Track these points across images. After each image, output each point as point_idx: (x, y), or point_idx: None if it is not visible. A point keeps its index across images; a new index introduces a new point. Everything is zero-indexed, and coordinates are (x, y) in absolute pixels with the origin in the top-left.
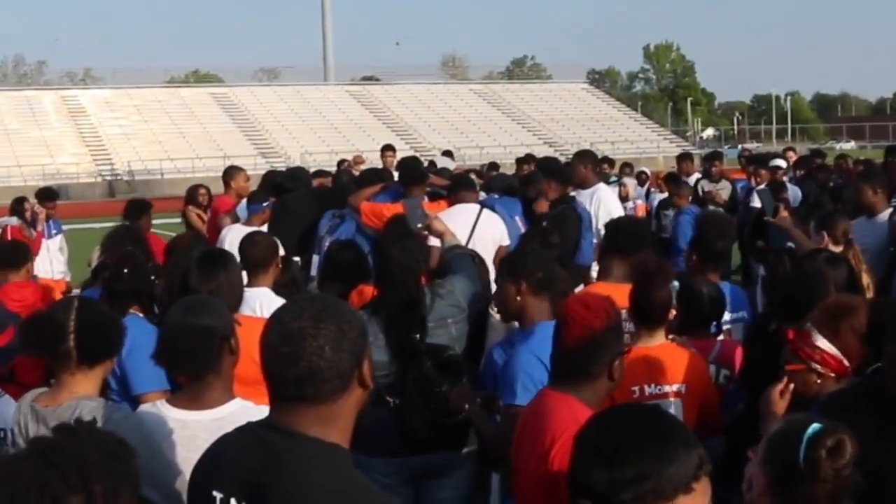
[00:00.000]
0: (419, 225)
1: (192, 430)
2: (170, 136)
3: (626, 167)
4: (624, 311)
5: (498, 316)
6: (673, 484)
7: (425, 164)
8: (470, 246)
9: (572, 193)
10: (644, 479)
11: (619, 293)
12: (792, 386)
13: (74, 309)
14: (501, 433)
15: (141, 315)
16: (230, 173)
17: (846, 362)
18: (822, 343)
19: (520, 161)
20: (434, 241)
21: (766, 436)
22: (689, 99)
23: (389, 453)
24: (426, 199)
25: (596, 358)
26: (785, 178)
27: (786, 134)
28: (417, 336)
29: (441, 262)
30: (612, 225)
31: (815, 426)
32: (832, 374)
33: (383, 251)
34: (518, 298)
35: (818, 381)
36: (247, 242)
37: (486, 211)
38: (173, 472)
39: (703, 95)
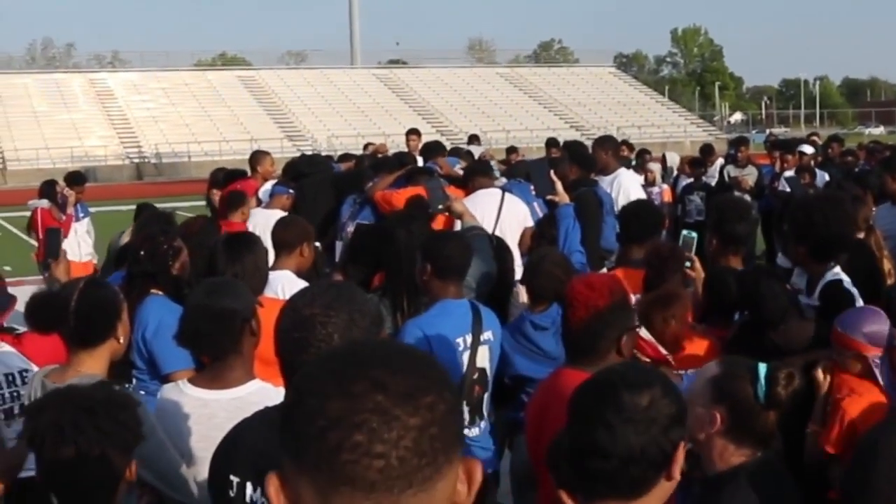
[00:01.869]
0: (440, 206)
1: (211, 409)
2: (197, 119)
3: (646, 153)
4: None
5: (520, 298)
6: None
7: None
8: (497, 229)
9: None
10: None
11: (637, 278)
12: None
13: (78, 290)
14: None
15: (163, 295)
16: (256, 158)
17: (661, 349)
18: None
19: (548, 145)
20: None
21: (707, 379)
22: (717, 83)
23: None
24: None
25: (603, 335)
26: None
27: (814, 119)
28: None
29: None
30: (624, 212)
31: (763, 366)
32: (648, 360)
33: (390, 235)
34: (425, 278)
35: None
36: (279, 224)
37: (507, 195)
38: (167, 455)
39: (731, 80)
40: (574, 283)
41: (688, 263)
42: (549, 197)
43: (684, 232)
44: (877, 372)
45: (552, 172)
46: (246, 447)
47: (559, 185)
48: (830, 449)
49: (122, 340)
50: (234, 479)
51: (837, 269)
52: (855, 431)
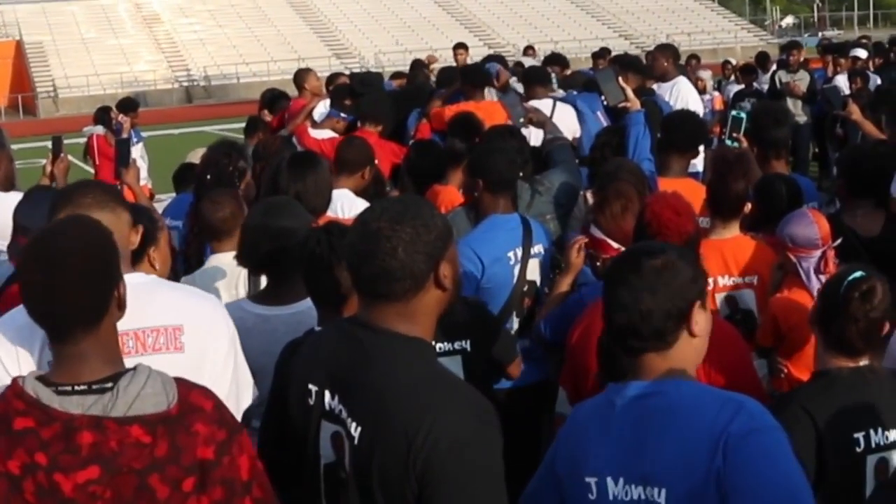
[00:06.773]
0: (521, 119)
1: (272, 325)
2: (244, 40)
3: (693, 59)
4: None
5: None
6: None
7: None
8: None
9: (653, 87)
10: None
11: (679, 188)
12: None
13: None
14: None
15: None
16: (301, 76)
17: (615, 245)
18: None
19: (595, 56)
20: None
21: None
22: None
23: None
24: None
25: None
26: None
27: (868, 20)
28: None
29: (542, 153)
30: (668, 121)
31: (857, 273)
32: (606, 257)
33: (443, 151)
34: (476, 194)
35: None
36: (345, 142)
37: (559, 104)
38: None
39: None
40: (659, 210)
41: (735, 144)
42: (621, 104)
43: (733, 112)
44: (801, 272)
45: (620, 79)
46: (322, 357)
47: (629, 92)
48: (762, 341)
49: (157, 266)
50: (313, 388)
51: None
52: (777, 325)
